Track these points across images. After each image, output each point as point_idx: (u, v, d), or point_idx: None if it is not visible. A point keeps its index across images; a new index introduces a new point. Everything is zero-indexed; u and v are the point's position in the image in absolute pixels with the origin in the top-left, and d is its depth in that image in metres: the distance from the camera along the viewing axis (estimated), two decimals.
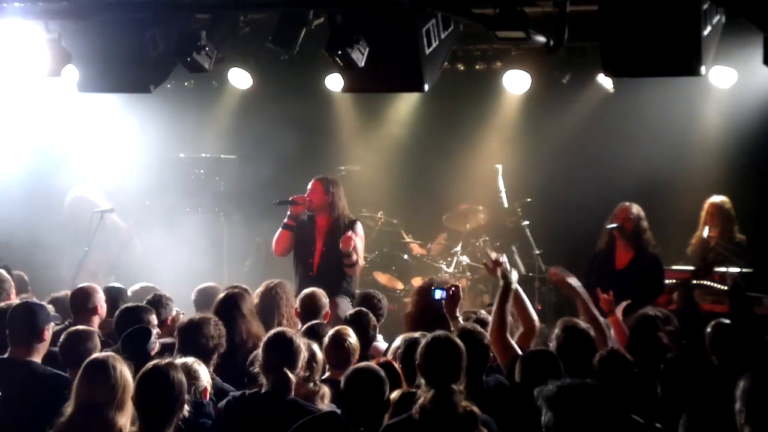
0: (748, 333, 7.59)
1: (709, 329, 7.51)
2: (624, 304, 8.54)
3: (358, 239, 10.11)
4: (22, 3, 9.56)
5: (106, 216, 11.51)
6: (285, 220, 10.25)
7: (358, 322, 7.79)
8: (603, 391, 5.31)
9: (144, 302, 8.15)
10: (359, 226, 10.31)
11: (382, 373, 6.20)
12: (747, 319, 8.22)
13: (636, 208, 10.34)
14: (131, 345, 6.90)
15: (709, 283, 10.24)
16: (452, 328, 7.29)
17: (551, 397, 5.15)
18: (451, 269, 12.77)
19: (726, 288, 9.90)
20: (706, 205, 11.10)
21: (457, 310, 7.71)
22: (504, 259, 7.79)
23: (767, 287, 10.31)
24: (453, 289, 7.75)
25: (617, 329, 8.31)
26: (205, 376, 6.43)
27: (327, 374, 7.10)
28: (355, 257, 9.96)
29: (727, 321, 7.60)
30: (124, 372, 5.78)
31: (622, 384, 6.30)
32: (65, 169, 13.10)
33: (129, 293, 9.13)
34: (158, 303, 8.23)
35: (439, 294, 7.85)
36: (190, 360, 6.41)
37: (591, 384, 5.35)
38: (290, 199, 10.25)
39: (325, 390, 6.66)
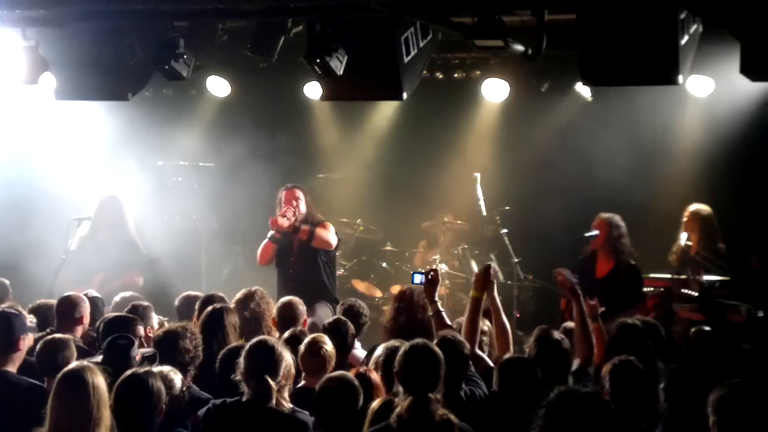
0: (725, 339, 7.63)
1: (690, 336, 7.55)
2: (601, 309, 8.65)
3: (325, 231, 10.16)
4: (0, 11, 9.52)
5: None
6: (274, 234, 10.22)
7: (336, 330, 7.79)
8: (600, 399, 5.33)
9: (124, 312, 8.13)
10: (328, 226, 10.35)
11: (356, 382, 6.22)
12: (719, 324, 8.27)
13: (615, 219, 10.39)
14: (114, 354, 6.86)
15: (686, 291, 10.28)
16: (434, 337, 7.30)
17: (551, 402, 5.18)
18: None
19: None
20: (686, 213, 11.12)
21: (436, 294, 7.79)
22: (494, 270, 7.90)
23: (745, 295, 10.33)
24: (432, 273, 7.83)
25: (597, 336, 8.36)
26: (179, 384, 6.42)
27: (302, 382, 7.10)
28: (307, 227, 9.97)
29: (707, 328, 7.64)
30: (100, 384, 5.71)
31: (634, 393, 6.31)
32: (43, 176, 13.05)
33: (118, 299, 9.11)
34: (137, 314, 8.19)
35: (418, 278, 7.94)
36: (166, 368, 6.39)
37: (587, 391, 5.38)
38: (285, 223, 10.18)
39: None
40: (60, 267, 11.02)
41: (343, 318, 8.07)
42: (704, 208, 11.08)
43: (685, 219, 11.09)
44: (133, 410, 5.72)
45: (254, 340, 6.64)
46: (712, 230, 11.01)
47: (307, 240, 10.09)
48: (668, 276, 10.60)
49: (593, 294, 9.10)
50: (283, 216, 10.15)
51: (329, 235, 10.25)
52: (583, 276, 10.12)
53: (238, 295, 8.54)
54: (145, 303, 8.52)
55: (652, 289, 10.59)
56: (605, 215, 10.49)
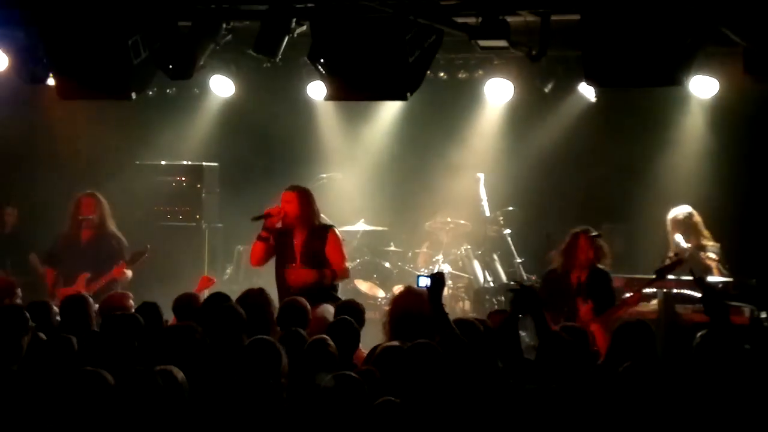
0: (729, 341, 7.60)
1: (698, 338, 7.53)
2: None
3: (336, 245, 9.99)
4: (2, 9, 9.54)
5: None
6: (260, 233, 10.12)
7: (342, 329, 7.76)
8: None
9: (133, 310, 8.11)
10: (336, 232, 10.14)
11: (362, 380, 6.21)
12: (723, 326, 8.24)
13: (592, 233, 10.29)
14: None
15: (690, 292, 10.26)
16: (433, 336, 7.29)
17: None
18: None
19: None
20: (678, 216, 11.11)
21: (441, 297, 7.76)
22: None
23: (747, 297, 10.34)
24: (437, 277, 7.79)
25: (599, 336, 8.39)
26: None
27: None
28: (329, 275, 9.82)
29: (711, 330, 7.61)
30: None
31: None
32: (45, 176, 13.10)
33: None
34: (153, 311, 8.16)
35: (423, 281, 7.87)
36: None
37: None
38: (264, 212, 10.09)
39: None
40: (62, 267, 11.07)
41: (348, 317, 8.04)
42: (691, 209, 11.11)
43: (678, 222, 11.08)
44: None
45: (251, 339, 6.63)
46: (700, 229, 11.06)
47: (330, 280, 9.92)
48: (672, 277, 10.57)
49: (572, 300, 9.29)
50: (278, 210, 9.99)
51: (344, 259, 10.06)
52: (560, 285, 10.07)
53: (241, 294, 8.50)
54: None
55: (655, 290, 10.57)
56: (586, 230, 10.34)
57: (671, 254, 10.55)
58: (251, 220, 10.12)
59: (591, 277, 10.01)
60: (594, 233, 10.18)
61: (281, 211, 9.96)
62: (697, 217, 11.10)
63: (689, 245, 11.07)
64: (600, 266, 10.06)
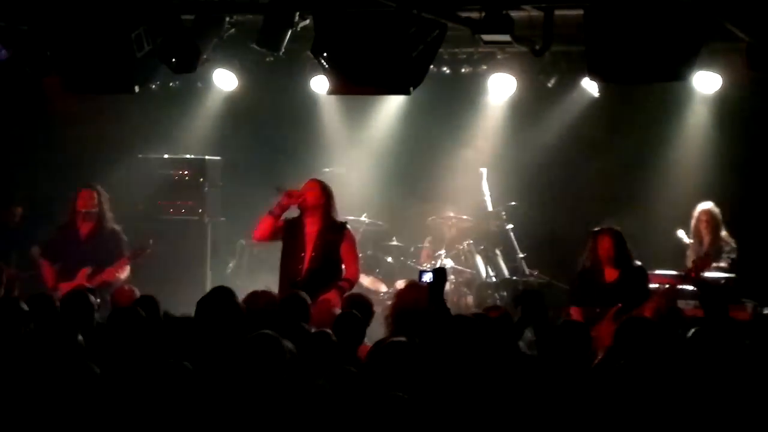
0: (723, 337, 7.59)
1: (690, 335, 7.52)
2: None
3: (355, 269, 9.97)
4: (5, 3, 9.55)
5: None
6: (273, 207, 9.98)
7: (347, 323, 7.76)
8: None
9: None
10: (351, 231, 10.07)
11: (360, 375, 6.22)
12: (721, 321, 8.23)
13: (617, 230, 10.15)
14: None
15: (692, 288, 10.26)
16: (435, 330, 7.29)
17: None
18: None
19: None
20: (698, 213, 11.12)
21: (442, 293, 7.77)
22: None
23: (750, 292, 10.34)
24: (440, 272, 7.78)
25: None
26: None
27: None
28: (347, 288, 9.74)
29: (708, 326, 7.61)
30: None
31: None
32: (48, 169, 13.10)
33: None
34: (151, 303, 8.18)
35: (426, 277, 7.85)
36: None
37: None
38: (287, 189, 9.97)
39: None
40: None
41: (354, 311, 8.03)
42: (712, 204, 11.17)
43: (699, 219, 11.11)
44: None
45: (254, 334, 6.62)
46: (720, 226, 11.14)
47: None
48: (674, 273, 10.57)
49: (604, 298, 9.28)
50: (299, 194, 9.87)
51: (357, 260, 9.99)
52: (591, 282, 9.98)
53: (246, 296, 8.44)
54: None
55: (657, 285, 10.56)
56: (608, 228, 10.22)
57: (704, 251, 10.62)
58: (273, 186, 9.96)
59: (624, 274, 9.94)
60: (595, 229, 10.16)
61: (302, 195, 9.85)
62: (718, 212, 11.20)
63: (691, 241, 11.10)
64: (635, 263, 10.00)
